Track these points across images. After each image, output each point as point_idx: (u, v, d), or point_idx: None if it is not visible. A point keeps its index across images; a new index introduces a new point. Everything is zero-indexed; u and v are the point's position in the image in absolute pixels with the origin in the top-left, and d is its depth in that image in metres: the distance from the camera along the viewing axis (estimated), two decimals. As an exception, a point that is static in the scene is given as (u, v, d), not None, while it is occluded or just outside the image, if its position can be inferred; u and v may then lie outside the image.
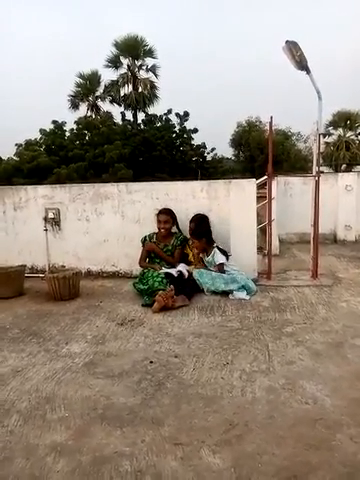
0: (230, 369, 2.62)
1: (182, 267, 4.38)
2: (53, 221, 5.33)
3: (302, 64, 4.38)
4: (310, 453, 1.81)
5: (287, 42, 4.37)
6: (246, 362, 2.71)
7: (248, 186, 4.71)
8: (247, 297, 4.13)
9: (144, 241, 4.70)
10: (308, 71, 4.45)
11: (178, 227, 4.74)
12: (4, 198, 5.49)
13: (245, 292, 4.17)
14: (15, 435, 2.01)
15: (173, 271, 4.29)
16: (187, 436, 1.96)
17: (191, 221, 4.60)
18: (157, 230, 4.71)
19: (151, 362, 2.76)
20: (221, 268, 4.34)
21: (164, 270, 4.31)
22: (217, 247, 4.40)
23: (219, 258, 4.34)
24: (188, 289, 4.15)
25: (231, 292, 4.18)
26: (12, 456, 1.86)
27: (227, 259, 4.39)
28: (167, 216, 4.62)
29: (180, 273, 4.29)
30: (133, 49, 21.77)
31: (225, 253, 4.40)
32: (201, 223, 4.53)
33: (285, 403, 2.21)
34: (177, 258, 4.59)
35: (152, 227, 4.78)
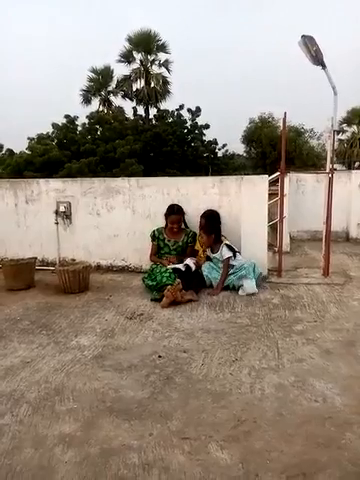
0: (239, 365, 2.61)
1: (189, 261, 4.36)
2: (64, 215, 5.35)
3: (318, 59, 4.32)
4: (319, 451, 1.80)
5: (303, 37, 4.31)
6: (255, 359, 2.70)
7: (260, 182, 4.66)
8: (256, 290, 4.12)
9: (153, 236, 4.69)
10: (324, 66, 4.38)
11: (185, 223, 4.72)
12: (16, 191, 5.53)
13: (254, 283, 4.15)
14: (24, 425, 2.03)
15: (180, 266, 4.28)
16: (195, 431, 1.95)
17: (202, 216, 4.58)
18: (165, 225, 4.70)
19: (160, 356, 2.76)
20: (227, 263, 4.31)
21: (172, 266, 4.30)
22: (226, 244, 4.37)
23: (226, 253, 4.32)
24: (195, 284, 4.14)
25: (241, 287, 4.16)
26: (21, 446, 1.88)
27: (234, 256, 4.34)
28: (178, 216, 4.58)
29: (187, 266, 4.27)
30: (146, 44, 21.69)
31: (233, 250, 4.36)
32: (212, 219, 4.50)
33: (294, 401, 2.19)
34: (189, 255, 4.56)
35: (162, 222, 4.77)
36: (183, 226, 4.70)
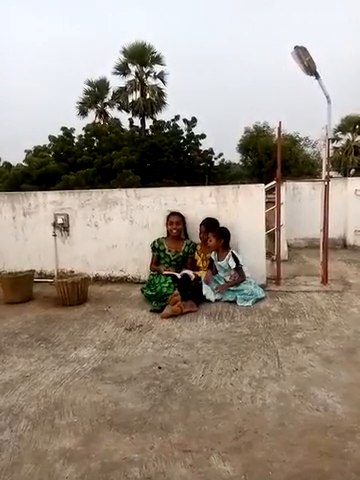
0: (239, 375, 2.60)
1: (188, 271, 4.36)
2: (62, 226, 5.35)
3: (311, 69, 4.37)
4: (321, 461, 1.78)
5: (296, 47, 4.36)
6: (256, 368, 2.68)
7: (256, 191, 4.69)
8: (249, 303, 4.10)
9: (153, 247, 4.70)
10: (317, 76, 4.43)
11: (186, 232, 4.74)
12: (14, 204, 5.54)
13: (250, 302, 4.12)
14: (24, 440, 2.01)
15: (177, 274, 4.28)
16: (196, 443, 1.94)
17: (201, 224, 4.61)
18: (166, 234, 4.71)
19: (160, 368, 2.75)
20: (235, 273, 4.34)
21: (168, 272, 4.29)
22: (233, 253, 4.37)
23: (232, 263, 4.31)
24: (196, 295, 4.13)
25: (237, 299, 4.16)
26: (21, 461, 1.86)
27: (239, 269, 4.34)
28: (179, 217, 4.65)
29: (185, 275, 4.26)
30: (141, 56, 21.92)
31: (238, 262, 4.35)
32: (213, 225, 4.53)
33: (296, 410, 2.18)
34: (189, 267, 4.55)
35: (160, 232, 4.78)
36: (183, 235, 4.72)
